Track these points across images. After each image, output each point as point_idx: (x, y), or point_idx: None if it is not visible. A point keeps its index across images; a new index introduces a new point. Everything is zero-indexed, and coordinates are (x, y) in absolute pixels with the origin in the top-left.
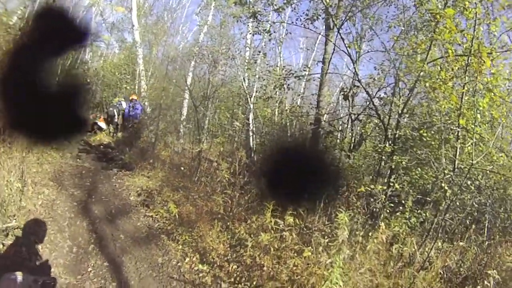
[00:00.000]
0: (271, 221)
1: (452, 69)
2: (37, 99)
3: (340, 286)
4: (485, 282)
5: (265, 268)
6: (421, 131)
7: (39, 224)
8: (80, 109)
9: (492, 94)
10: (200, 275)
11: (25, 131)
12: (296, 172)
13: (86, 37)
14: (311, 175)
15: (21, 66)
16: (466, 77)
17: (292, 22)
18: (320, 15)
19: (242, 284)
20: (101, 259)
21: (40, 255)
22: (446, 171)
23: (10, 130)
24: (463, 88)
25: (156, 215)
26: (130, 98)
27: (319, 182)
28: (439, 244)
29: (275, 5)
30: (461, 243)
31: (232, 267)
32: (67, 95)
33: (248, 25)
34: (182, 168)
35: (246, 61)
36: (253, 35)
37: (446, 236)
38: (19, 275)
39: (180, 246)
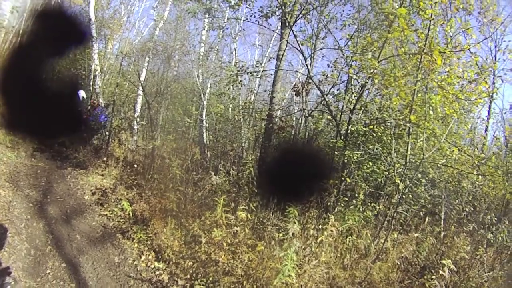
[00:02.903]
0: (222, 217)
1: (405, 67)
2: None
3: (293, 278)
4: (440, 272)
5: (220, 264)
6: (371, 127)
7: None
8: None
9: (445, 91)
10: (157, 272)
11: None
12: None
13: (85, 37)
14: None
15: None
16: (419, 75)
17: (247, 19)
18: (275, 12)
19: (199, 280)
20: (58, 261)
21: None
22: (397, 165)
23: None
24: (415, 86)
25: (111, 213)
26: (96, 104)
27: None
28: (395, 235)
29: (230, 1)
30: (416, 234)
31: (187, 263)
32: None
33: (204, 21)
34: (136, 166)
35: (200, 57)
36: (207, 31)
37: (401, 227)
38: None
39: (136, 245)
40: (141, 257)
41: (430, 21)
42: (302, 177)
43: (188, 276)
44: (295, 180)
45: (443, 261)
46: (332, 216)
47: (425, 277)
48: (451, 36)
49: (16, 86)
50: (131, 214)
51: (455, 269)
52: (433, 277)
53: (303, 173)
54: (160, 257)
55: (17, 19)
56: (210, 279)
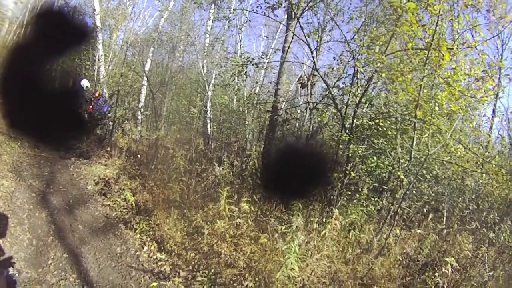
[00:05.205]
0: (225, 208)
1: (412, 62)
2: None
3: (296, 271)
4: (443, 269)
5: (222, 256)
6: (377, 121)
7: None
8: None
9: (451, 88)
10: (159, 263)
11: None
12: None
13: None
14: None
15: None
16: (425, 71)
17: (253, 10)
18: (281, 4)
19: (201, 272)
20: (60, 251)
21: (2, 249)
22: (402, 161)
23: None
24: (422, 81)
25: (114, 204)
26: (97, 94)
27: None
28: (397, 231)
29: None
30: (418, 231)
31: (190, 255)
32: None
33: (209, 12)
34: (139, 156)
35: (205, 47)
36: (213, 22)
37: (404, 223)
38: None
39: (138, 235)
40: (143, 248)
41: (438, 17)
42: (305, 170)
43: (190, 267)
44: (298, 173)
45: (447, 259)
46: (336, 210)
47: (427, 274)
48: (458, 33)
49: (17, 77)
50: (134, 205)
51: (457, 267)
52: (436, 274)
53: (307, 166)
54: (162, 248)
55: (21, 10)
56: (212, 271)
